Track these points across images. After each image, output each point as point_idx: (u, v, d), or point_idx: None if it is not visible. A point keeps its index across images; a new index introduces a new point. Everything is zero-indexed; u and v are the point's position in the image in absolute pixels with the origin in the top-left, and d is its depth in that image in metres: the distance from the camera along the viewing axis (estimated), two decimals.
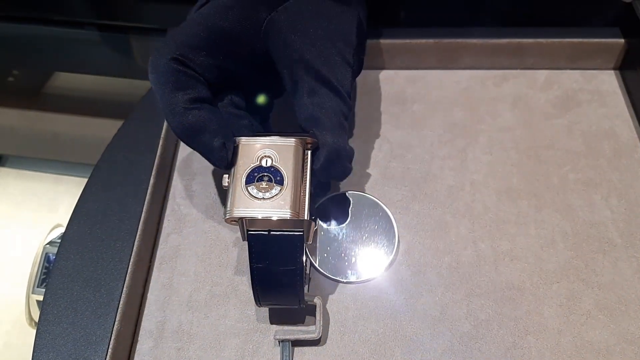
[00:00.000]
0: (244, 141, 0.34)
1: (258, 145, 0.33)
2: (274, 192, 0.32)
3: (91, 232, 0.39)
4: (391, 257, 0.39)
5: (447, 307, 0.37)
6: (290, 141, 0.33)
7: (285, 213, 0.31)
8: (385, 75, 0.50)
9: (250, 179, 0.32)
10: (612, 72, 0.49)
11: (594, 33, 0.48)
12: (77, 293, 0.36)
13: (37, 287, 0.51)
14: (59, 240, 0.52)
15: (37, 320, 0.51)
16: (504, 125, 0.46)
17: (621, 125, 0.46)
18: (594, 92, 0.48)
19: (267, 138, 0.34)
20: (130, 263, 0.37)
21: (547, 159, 0.44)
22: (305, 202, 0.33)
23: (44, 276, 0.52)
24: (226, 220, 0.32)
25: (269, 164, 0.33)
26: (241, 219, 0.32)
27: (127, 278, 0.37)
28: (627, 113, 0.46)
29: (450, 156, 0.44)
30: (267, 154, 0.33)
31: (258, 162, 0.33)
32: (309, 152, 0.34)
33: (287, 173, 0.32)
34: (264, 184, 0.32)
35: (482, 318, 0.37)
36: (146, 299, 0.39)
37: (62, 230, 0.58)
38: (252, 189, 0.32)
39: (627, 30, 0.47)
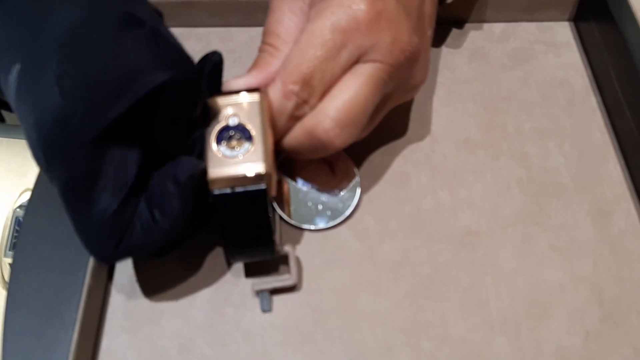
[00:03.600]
0: (207, 104, 0.34)
1: (222, 105, 0.34)
2: (245, 148, 0.32)
3: None
4: (354, 201, 0.40)
5: (408, 253, 0.39)
6: (254, 97, 0.34)
7: (260, 167, 0.32)
8: None
9: (220, 139, 0.33)
10: (566, 23, 0.50)
11: None
12: (47, 251, 0.37)
13: (9, 250, 0.51)
14: None
15: None
16: (462, 78, 0.47)
17: (575, 75, 0.47)
18: (549, 44, 0.49)
19: (230, 97, 0.34)
20: None
21: (503, 110, 0.45)
22: (272, 155, 0.34)
23: (15, 240, 0.52)
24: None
25: (236, 123, 0.33)
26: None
27: None
28: (581, 63, 0.48)
29: (410, 109, 0.45)
30: (233, 113, 0.33)
31: (225, 122, 0.33)
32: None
33: (255, 129, 0.33)
34: (234, 142, 0.33)
35: (441, 261, 0.38)
36: None
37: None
38: (224, 149, 0.32)
39: None
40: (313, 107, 0.34)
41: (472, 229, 0.40)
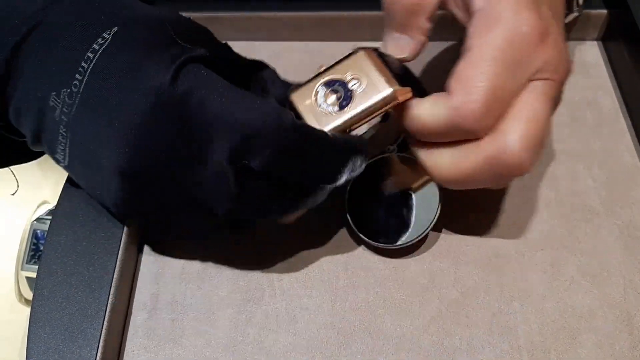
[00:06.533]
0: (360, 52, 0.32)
1: (366, 70, 0.31)
2: (330, 108, 0.31)
3: (83, 206, 0.39)
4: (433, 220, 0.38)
5: (435, 275, 0.38)
6: (388, 90, 0.31)
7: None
8: None
9: (328, 84, 0.31)
10: (595, 43, 0.50)
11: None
12: (71, 268, 0.36)
13: (26, 263, 0.51)
14: (47, 217, 0.52)
15: (26, 296, 0.50)
16: None
17: (604, 96, 0.46)
18: (578, 64, 0.48)
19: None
20: (123, 236, 0.37)
21: None
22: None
23: (32, 252, 0.52)
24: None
25: (351, 87, 0.31)
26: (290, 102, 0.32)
27: (120, 251, 0.37)
28: (610, 84, 0.47)
29: None
30: (359, 77, 0.31)
31: (348, 78, 0.32)
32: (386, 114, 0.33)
33: (356, 104, 0.31)
34: (331, 97, 0.31)
35: (469, 285, 0.38)
36: (139, 271, 0.39)
37: (49, 206, 0.58)
38: (321, 95, 0.31)
39: (610, 2, 0.48)
40: (490, 129, 0.31)
41: (500, 252, 0.39)
